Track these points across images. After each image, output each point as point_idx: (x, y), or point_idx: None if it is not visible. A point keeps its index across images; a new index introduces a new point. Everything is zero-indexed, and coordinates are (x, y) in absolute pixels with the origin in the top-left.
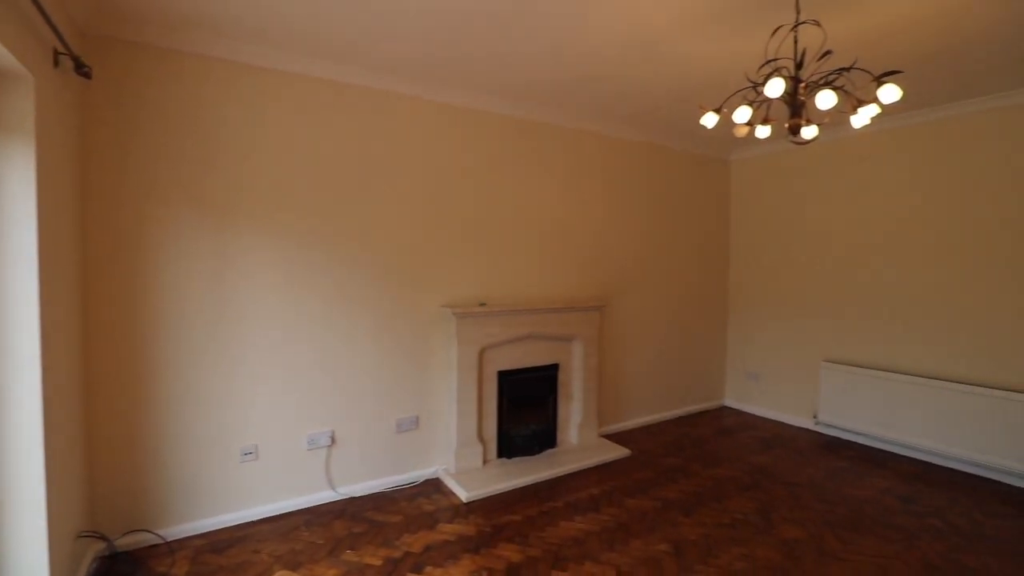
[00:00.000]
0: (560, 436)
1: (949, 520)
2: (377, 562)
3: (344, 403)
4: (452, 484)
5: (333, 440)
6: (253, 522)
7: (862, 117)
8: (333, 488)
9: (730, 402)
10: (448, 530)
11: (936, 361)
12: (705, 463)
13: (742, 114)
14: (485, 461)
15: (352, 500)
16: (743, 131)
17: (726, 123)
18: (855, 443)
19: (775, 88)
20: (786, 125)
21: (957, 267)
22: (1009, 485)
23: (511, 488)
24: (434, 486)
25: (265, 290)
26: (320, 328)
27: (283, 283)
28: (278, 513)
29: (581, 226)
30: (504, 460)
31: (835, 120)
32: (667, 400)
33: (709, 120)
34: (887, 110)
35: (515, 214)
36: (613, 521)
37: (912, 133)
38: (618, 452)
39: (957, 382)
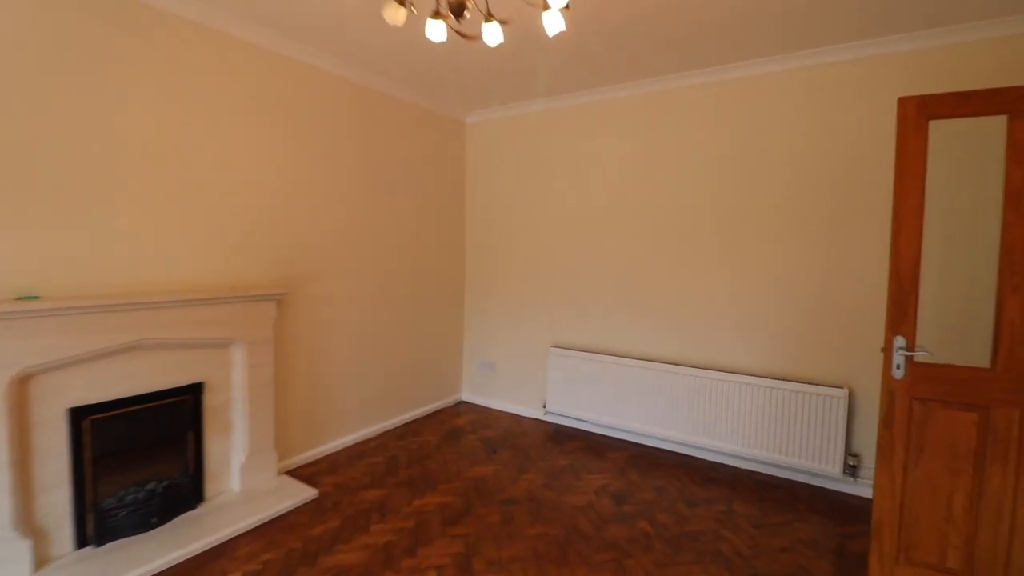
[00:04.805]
0: (212, 487)
1: (657, 520)
2: None
3: None
4: None
5: None
6: None
7: (553, 15)
8: None
9: (468, 396)
10: None
11: (653, 343)
12: (415, 489)
13: None
14: (42, 564)
15: None
16: (398, 15)
17: (463, 73)
18: (580, 431)
19: None
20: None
21: (678, 246)
22: (703, 460)
23: None
24: None
25: None
26: None
27: None
28: None
29: (253, 182)
30: (92, 550)
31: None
32: (391, 405)
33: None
34: (613, 78)
35: (124, 155)
36: None
37: (637, 103)
38: (300, 496)
39: (667, 363)
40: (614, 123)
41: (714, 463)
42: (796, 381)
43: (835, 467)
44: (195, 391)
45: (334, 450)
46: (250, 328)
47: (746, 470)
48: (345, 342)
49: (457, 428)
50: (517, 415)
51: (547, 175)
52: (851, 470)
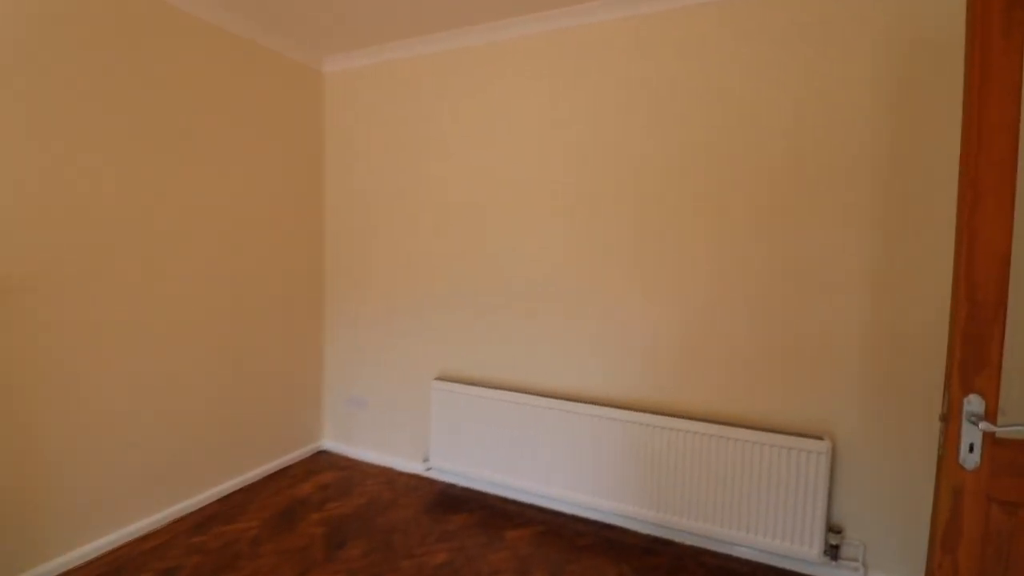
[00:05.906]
0: None
1: None
2: None
3: None
4: None
5: None
6: None
7: None
8: None
9: (331, 443)
10: None
11: (569, 375)
12: None
13: None
14: None
15: None
16: None
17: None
18: (473, 494)
19: None
20: None
21: (604, 241)
22: (637, 535)
23: None
24: None
25: None
26: None
27: None
28: None
29: None
30: None
31: None
32: (197, 475)
33: None
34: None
35: None
36: None
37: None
38: None
39: (588, 402)
40: (521, 70)
41: (652, 539)
42: (759, 429)
43: (812, 547)
44: None
45: (73, 565)
46: None
47: (692, 547)
48: (101, 386)
49: (298, 501)
50: (392, 470)
51: (434, 144)
52: (832, 551)
